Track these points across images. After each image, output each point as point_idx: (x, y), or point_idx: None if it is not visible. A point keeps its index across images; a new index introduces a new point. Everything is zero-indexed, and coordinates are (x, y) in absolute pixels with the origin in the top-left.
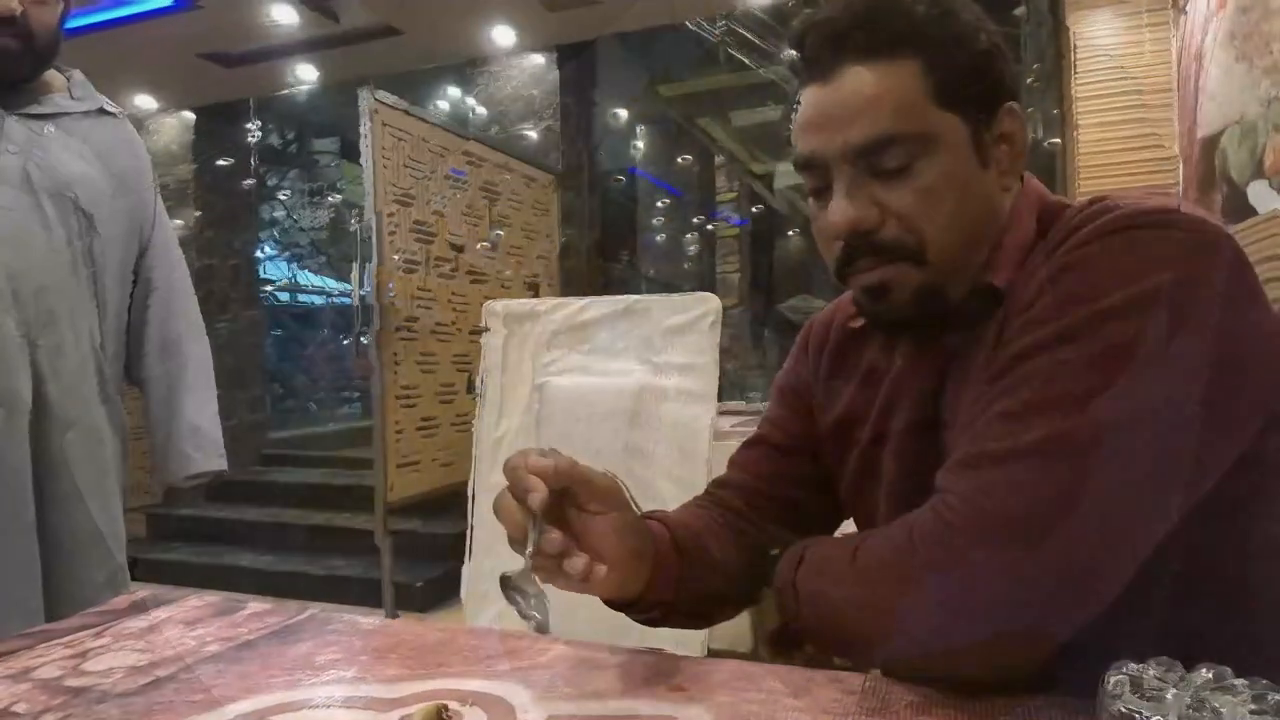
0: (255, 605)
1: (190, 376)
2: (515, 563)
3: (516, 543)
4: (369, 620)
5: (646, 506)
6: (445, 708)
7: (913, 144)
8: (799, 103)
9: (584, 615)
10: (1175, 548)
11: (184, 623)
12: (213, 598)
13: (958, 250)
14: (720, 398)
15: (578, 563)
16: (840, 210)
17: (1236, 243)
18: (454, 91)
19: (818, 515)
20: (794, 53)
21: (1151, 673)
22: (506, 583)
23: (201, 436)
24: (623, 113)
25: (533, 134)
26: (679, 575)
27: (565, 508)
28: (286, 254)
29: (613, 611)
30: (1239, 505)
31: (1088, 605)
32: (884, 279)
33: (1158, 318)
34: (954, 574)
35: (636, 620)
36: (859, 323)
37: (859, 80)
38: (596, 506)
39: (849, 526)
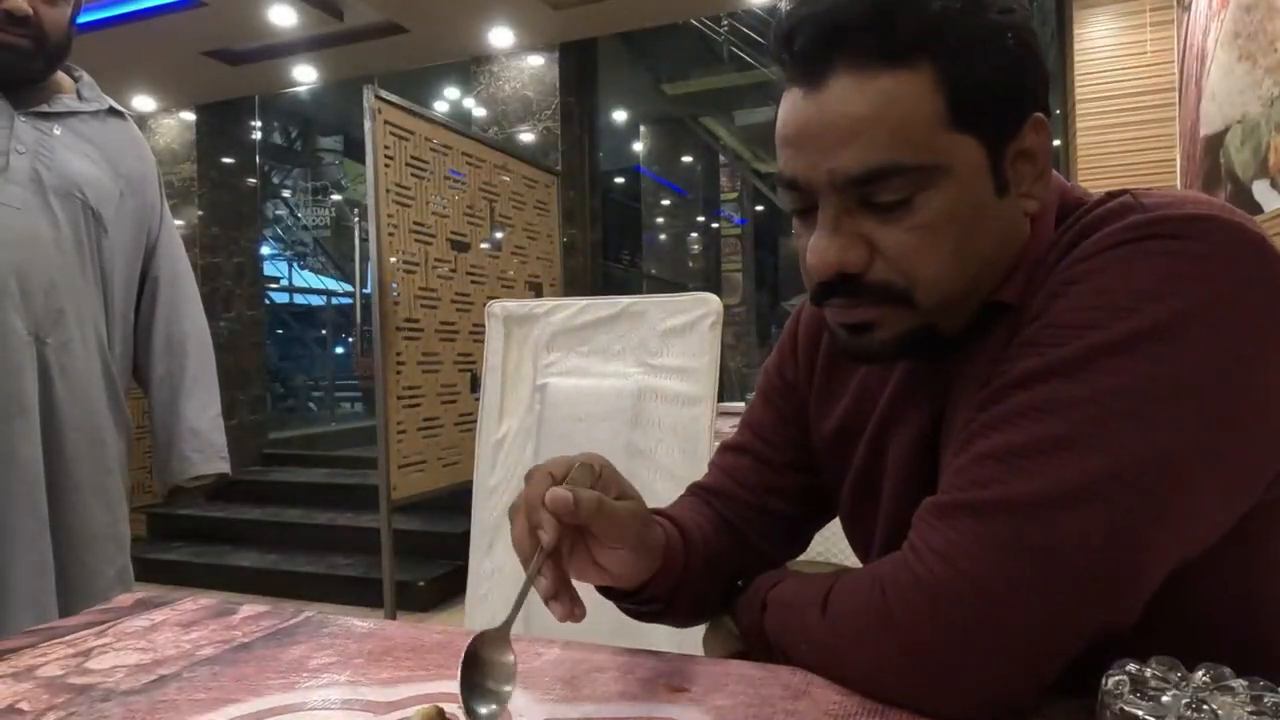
0: (250, 608)
1: (192, 379)
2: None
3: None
4: (365, 623)
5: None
6: (443, 711)
7: (916, 176)
8: (780, 94)
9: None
10: (1173, 589)
11: (179, 625)
12: (208, 600)
13: (957, 291)
14: (723, 396)
15: (558, 608)
16: (822, 249)
17: (1275, 252)
18: (454, 91)
19: (804, 526)
20: (777, 49)
21: (1151, 672)
22: (473, 653)
23: (202, 439)
24: (625, 112)
25: (535, 133)
26: (682, 574)
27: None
28: (289, 252)
29: (611, 615)
30: (1249, 544)
31: (1071, 657)
32: (867, 319)
33: (1162, 353)
34: (929, 634)
35: (629, 611)
36: None
37: (856, 93)
38: (614, 526)
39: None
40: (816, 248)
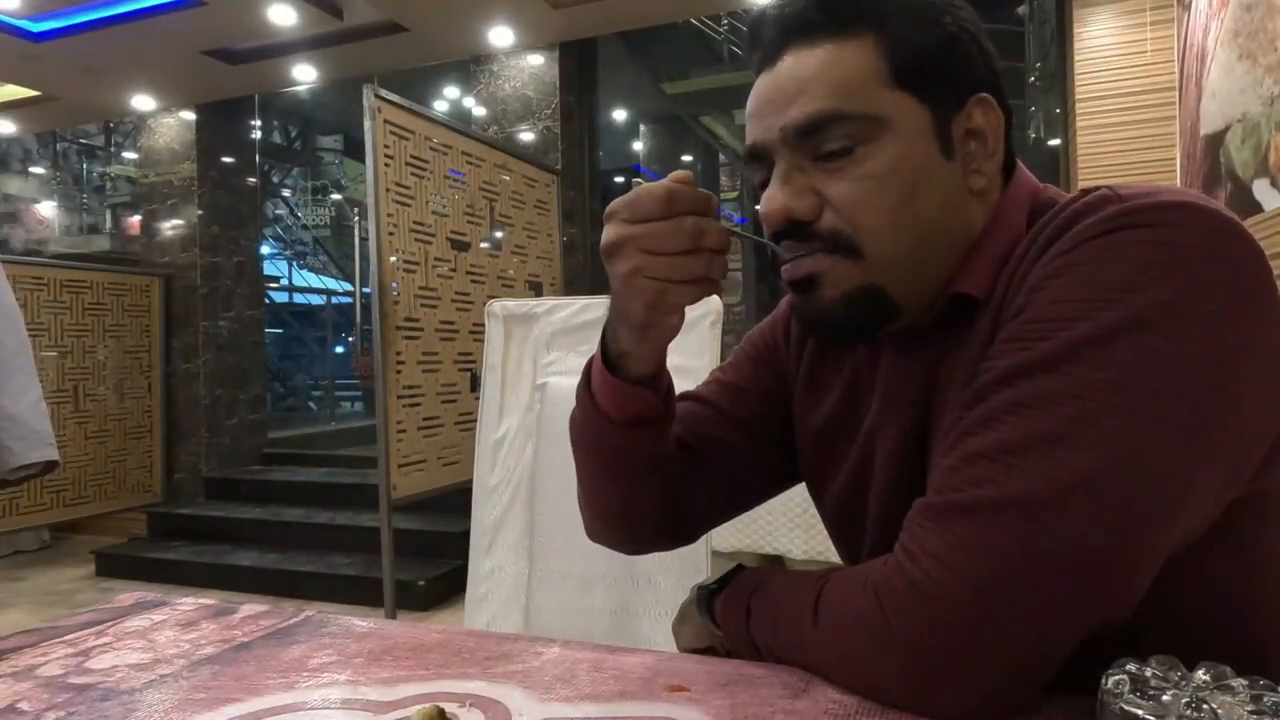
0: (250, 607)
1: (4, 364)
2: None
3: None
4: (364, 622)
5: None
6: (442, 710)
7: (857, 125)
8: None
9: (579, 620)
10: (1165, 583)
11: (179, 625)
12: (208, 600)
13: (904, 248)
14: None
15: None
16: (772, 197)
17: (1253, 240)
18: (454, 90)
19: (745, 487)
20: (748, 48)
21: (1151, 671)
22: None
23: (23, 426)
24: (625, 111)
25: (535, 132)
26: (667, 400)
27: None
28: (289, 252)
29: (610, 615)
30: (1239, 536)
31: (1066, 657)
32: (812, 270)
33: (1147, 344)
34: (929, 640)
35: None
36: None
37: (805, 59)
38: None
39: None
40: (767, 197)
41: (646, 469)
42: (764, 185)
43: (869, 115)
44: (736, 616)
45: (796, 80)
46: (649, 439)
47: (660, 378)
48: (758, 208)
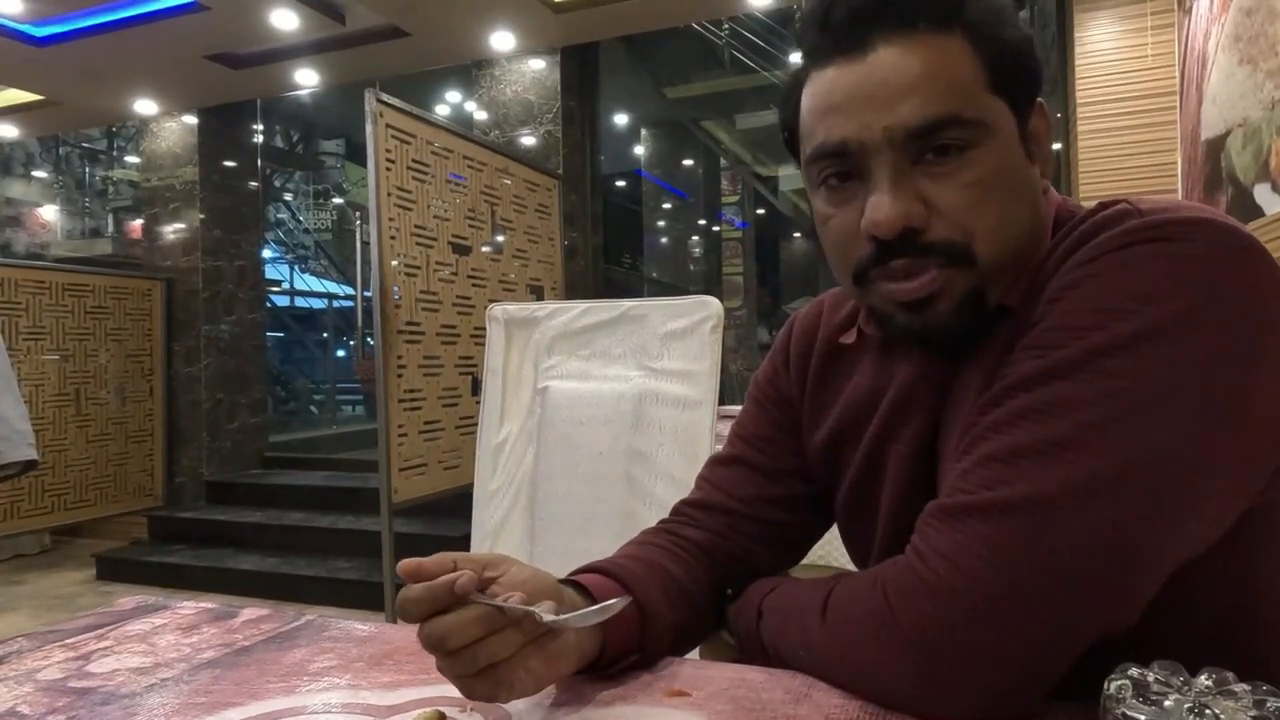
0: (251, 611)
1: None
2: None
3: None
4: (365, 626)
5: (647, 510)
6: (443, 714)
7: (970, 129)
8: (796, 87)
9: None
10: (1171, 592)
11: (180, 628)
12: (209, 603)
13: (1008, 254)
14: (723, 399)
15: (514, 600)
16: (885, 205)
17: (1269, 255)
18: (456, 94)
19: (802, 534)
20: (810, 30)
21: (1154, 676)
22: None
23: (7, 426)
24: (627, 115)
25: (536, 136)
26: (640, 619)
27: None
28: (291, 256)
29: None
30: (1246, 545)
31: (1075, 658)
32: (931, 290)
33: (1162, 354)
34: (934, 636)
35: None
36: (850, 339)
37: (905, 55)
38: (494, 572)
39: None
40: (879, 204)
41: (703, 605)
42: (836, 183)
43: (980, 120)
44: (748, 619)
45: (904, 75)
46: (661, 629)
47: (614, 638)
48: (872, 214)
